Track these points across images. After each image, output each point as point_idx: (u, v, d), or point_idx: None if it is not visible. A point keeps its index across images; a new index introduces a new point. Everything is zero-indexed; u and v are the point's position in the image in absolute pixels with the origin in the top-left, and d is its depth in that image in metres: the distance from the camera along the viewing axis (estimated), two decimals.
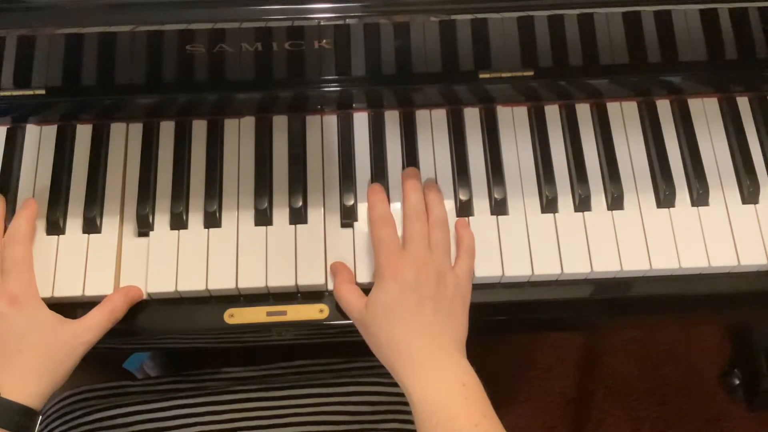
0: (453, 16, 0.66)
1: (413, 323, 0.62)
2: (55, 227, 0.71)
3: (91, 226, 0.71)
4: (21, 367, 0.62)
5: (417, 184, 0.71)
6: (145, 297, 0.69)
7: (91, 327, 0.65)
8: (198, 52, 0.69)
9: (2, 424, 0.59)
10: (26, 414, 0.61)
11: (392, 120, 0.77)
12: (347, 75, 0.74)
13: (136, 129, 0.76)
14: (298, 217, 0.72)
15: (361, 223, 0.72)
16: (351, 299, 0.66)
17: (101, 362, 0.67)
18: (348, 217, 0.72)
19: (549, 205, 0.73)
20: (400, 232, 0.69)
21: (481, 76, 0.74)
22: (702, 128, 0.77)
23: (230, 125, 0.76)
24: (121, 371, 1.20)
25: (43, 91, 0.74)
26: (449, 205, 0.73)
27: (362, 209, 0.73)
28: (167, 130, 0.76)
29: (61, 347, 0.63)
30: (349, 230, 0.72)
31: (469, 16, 0.66)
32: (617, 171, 0.74)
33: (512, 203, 0.73)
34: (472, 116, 0.77)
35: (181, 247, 0.70)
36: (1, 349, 0.62)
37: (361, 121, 0.77)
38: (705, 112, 0.78)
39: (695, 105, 0.78)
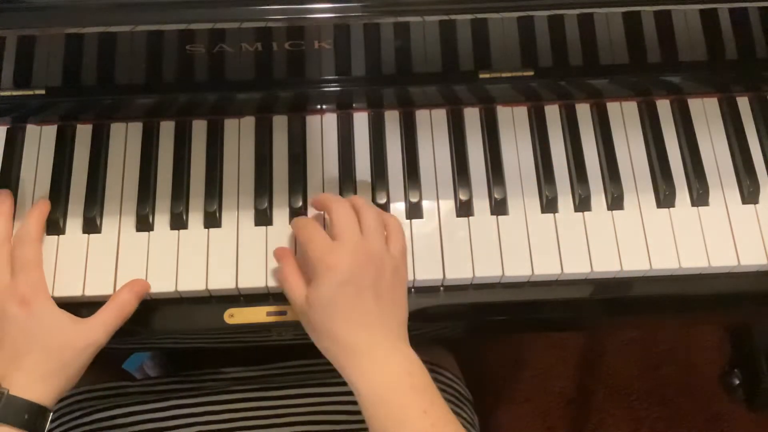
0: (453, 16, 0.66)
1: (354, 315, 0.61)
2: (54, 227, 0.71)
3: (91, 226, 0.71)
4: (32, 366, 0.62)
5: (322, 194, 0.69)
6: (145, 297, 0.69)
7: (99, 326, 0.65)
8: (198, 52, 0.69)
9: (13, 421, 0.59)
10: (37, 412, 0.61)
11: (392, 120, 0.77)
12: (347, 75, 0.74)
13: (136, 129, 0.76)
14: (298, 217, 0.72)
15: None
16: (294, 286, 0.64)
17: (101, 362, 0.67)
18: None
19: (549, 205, 0.73)
20: None
21: (481, 76, 0.74)
22: (702, 128, 0.77)
23: (230, 125, 0.76)
24: (121, 371, 1.20)
25: (43, 91, 0.73)
26: (449, 205, 0.73)
27: None
28: (167, 130, 0.76)
29: (71, 347, 0.63)
30: None
31: (469, 16, 0.66)
32: (617, 171, 0.74)
33: (512, 203, 0.73)
34: (472, 116, 0.77)
35: (181, 247, 0.70)
36: (12, 349, 0.62)
37: (361, 121, 0.77)
38: (705, 112, 0.78)
39: (695, 105, 0.78)
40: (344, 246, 0.62)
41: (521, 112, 0.77)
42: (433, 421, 0.58)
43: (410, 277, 0.70)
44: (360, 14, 0.61)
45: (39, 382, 0.62)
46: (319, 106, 0.77)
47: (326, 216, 0.68)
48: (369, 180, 0.74)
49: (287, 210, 0.72)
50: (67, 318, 0.64)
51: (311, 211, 0.72)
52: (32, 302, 0.63)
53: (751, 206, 0.74)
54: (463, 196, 0.73)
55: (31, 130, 0.76)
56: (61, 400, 0.85)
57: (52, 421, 0.83)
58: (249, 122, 0.76)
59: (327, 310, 0.61)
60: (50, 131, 0.76)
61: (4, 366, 0.62)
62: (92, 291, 0.69)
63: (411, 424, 0.58)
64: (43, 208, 0.70)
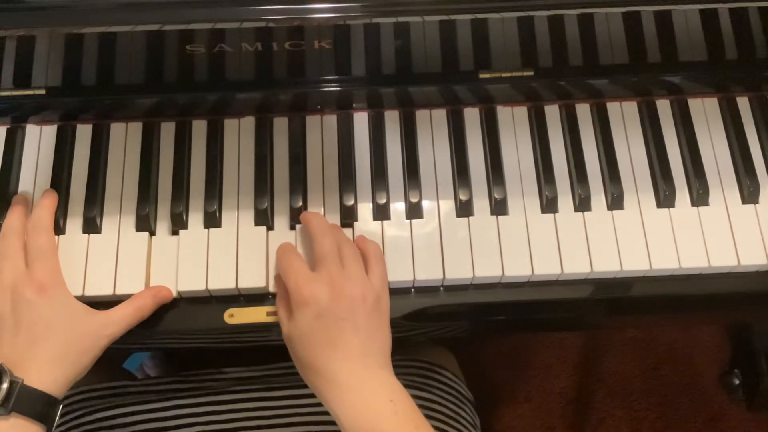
0: (453, 16, 0.66)
1: (332, 346, 0.61)
2: (55, 227, 0.71)
3: (91, 226, 0.72)
4: (46, 354, 0.62)
5: (316, 213, 0.70)
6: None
7: (116, 320, 0.65)
8: (198, 52, 0.69)
9: (26, 412, 0.59)
10: (49, 402, 0.61)
11: (392, 120, 0.77)
12: (347, 75, 0.74)
13: (136, 129, 0.76)
14: (298, 217, 0.72)
15: (361, 223, 0.72)
16: (281, 317, 0.65)
17: (101, 362, 0.67)
18: (348, 217, 0.72)
19: (549, 205, 0.73)
20: None
21: (481, 76, 0.74)
22: (702, 128, 0.77)
23: (230, 125, 0.76)
24: (121, 371, 1.20)
25: (43, 91, 0.74)
26: (449, 205, 0.73)
27: (362, 209, 0.73)
28: (167, 130, 0.76)
29: (87, 337, 0.64)
30: (348, 230, 0.72)
31: (469, 16, 0.66)
32: (617, 171, 0.74)
33: (512, 203, 0.73)
34: (472, 116, 0.77)
35: (181, 247, 0.70)
36: (28, 336, 0.62)
37: (361, 121, 0.77)
38: (705, 112, 0.78)
39: (695, 105, 0.78)
40: (322, 277, 0.62)
41: (521, 112, 0.77)
42: None
43: (410, 277, 0.70)
44: (360, 14, 0.61)
45: (53, 372, 0.61)
46: (319, 106, 0.77)
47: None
48: (369, 180, 0.74)
49: (287, 210, 0.72)
50: (83, 307, 0.65)
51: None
52: (49, 289, 0.63)
53: (751, 206, 0.74)
54: (463, 196, 0.73)
55: (31, 130, 0.76)
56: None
57: None
58: (249, 122, 0.76)
59: (305, 343, 0.62)
60: (50, 131, 0.76)
61: (20, 352, 0.61)
62: (92, 291, 0.69)
63: None
64: (52, 198, 0.71)
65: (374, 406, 0.60)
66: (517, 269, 0.70)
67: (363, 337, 0.62)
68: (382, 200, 0.73)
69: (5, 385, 0.58)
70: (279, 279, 0.68)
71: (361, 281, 0.63)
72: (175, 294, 0.70)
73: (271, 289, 0.70)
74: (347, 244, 0.66)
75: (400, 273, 0.70)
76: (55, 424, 0.62)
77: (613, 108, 0.77)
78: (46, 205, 0.69)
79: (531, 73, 0.75)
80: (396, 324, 0.72)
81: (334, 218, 0.72)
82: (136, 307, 0.66)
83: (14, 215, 0.69)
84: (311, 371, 0.62)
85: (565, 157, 0.75)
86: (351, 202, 0.72)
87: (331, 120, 0.77)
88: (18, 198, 0.72)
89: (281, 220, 0.72)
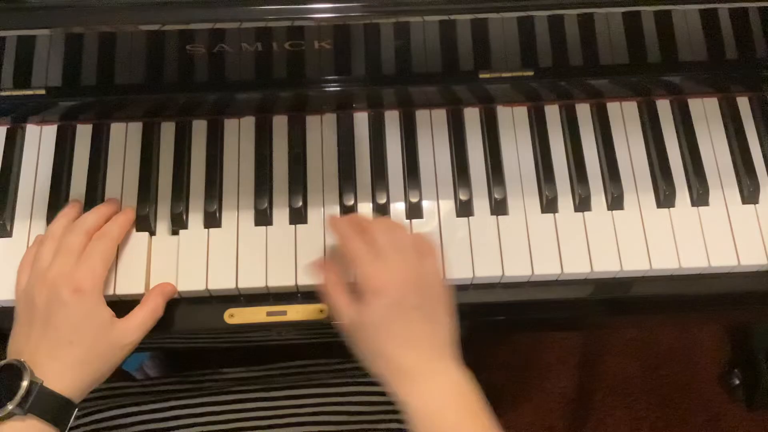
0: (453, 16, 0.66)
1: (402, 336, 0.61)
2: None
3: None
4: (69, 358, 0.61)
5: (345, 217, 0.69)
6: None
7: (135, 327, 0.65)
8: (198, 52, 0.69)
9: (41, 414, 0.59)
10: (65, 406, 0.61)
11: (392, 120, 0.77)
12: (347, 75, 0.74)
13: (136, 129, 0.76)
14: (298, 217, 0.72)
15: None
16: (340, 305, 0.63)
17: None
18: None
19: (549, 205, 0.73)
20: None
21: (481, 76, 0.74)
22: (702, 128, 0.77)
23: (230, 125, 0.76)
24: (121, 371, 1.20)
25: (43, 91, 0.74)
26: (449, 205, 0.73)
27: (362, 209, 0.73)
28: (167, 130, 0.76)
29: (110, 346, 0.63)
30: None
31: (469, 16, 0.66)
32: (617, 171, 0.74)
33: (512, 203, 0.73)
34: (472, 116, 0.77)
35: (181, 247, 0.70)
36: (54, 336, 0.61)
37: (361, 121, 0.77)
38: (705, 112, 0.78)
39: (695, 105, 0.78)
40: (388, 266, 0.62)
41: (521, 112, 0.77)
42: None
43: None
44: (360, 14, 0.61)
45: (73, 376, 0.61)
46: (319, 106, 0.77)
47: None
48: (369, 180, 0.74)
49: (287, 210, 0.72)
50: (111, 316, 0.64)
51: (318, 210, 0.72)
52: (85, 292, 0.63)
53: (751, 206, 0.74)
54: (463, 196, 0.73)
55: (31, 130, 0.76)
56: None
57: None
58: (249, 122, 0.76)
59: (375, 332, 0.61)
60: (50, 131, 0.76)
61: (44, 352, 0.61)
62: None
63: None
64: (130, 217, 0.70)
65: (441, 397, 0.59)
66: (517, 269, 0.70)
67: (431, 327, 0.62)
68: (382, 200, 0.73)
69: (25, 383, 0.58)
70: (327, 265, 0.66)
71: (425, 271, 0.63)
72: (175, 294, 0.69)
73: (270, 281, 0.69)
74: (405, 237, 0.65)
75: None
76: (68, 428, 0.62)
77: (613, 108, 0.77)
78: (123, 221, 0.69)
79: (531, 74, 0.75)
80: None
81: None
82: (151, 309, 0.66)
83: (94, 214, 0.68)
84: (379, 359, 0.61)
85: (565, 157, 0.75)
86: (351, 202, 0.72)
87: (331, 120, 0.77)
88: (110, 200, 0.72)
89: (281, 220, 0.72)
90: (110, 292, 0.68)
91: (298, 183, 0.73)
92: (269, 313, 0.70)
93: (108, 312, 0.64)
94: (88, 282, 0.63)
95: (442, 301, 0.63)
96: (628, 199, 0.73)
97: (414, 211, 0.73)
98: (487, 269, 0.70)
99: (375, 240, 0.63)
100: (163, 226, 0.72)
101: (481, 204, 0.73)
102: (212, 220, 0.72)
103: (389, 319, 0.60)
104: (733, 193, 0.74)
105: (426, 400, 0.59)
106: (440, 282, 0.64)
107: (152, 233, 0.72)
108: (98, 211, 0.69)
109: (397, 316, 0.61)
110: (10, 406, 0.58)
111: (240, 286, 0.69)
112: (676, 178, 0.74)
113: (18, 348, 0.62)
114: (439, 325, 0.62)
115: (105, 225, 0.68)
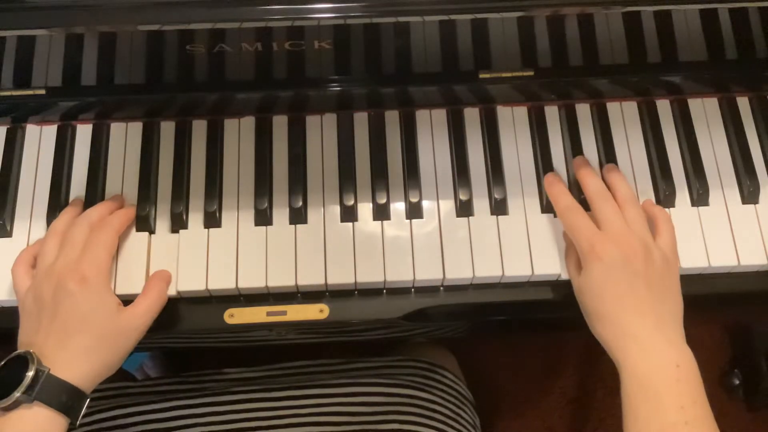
0: (453, 16, 0.66)
1: (624, 301, 0.62)
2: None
3: None
4: (77, 347, 0.61)
5: (591, 170, 0.71)
6: None
7: (147, 312, 0.65)
8: (198, 52, 0.69)
9: (49, 401, 0.59)
10: (75, 395, 0.60)
11: (392, 120, 0.77)
12: (347, 75, 0.74)
13: (136, 129, 0.76)
14: (298, 217, 0.72)
15: (361, 223, 0.72)
16: (571, 272, 0.68)
17: None
18: (348, 217, 0.72)
19: (549, 205, 0.73)
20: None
21: (481, 76, 0.75)
22: (702, 128, 0.77)
23: (230, 125, 0.76)
24: (121, 371, 1.19)
25: (43, 91, 0.74)
26: (449, 205, 0.73)
27: (362, 209, 0.73)
28: (167, 130, 0.76)
29: (119, 332, 0.63)
30: (349, 230, 0.72)
31: (469, 16, 0.66)
32: None
33: (512, 203, 0.73)
34: (472, 116, 0.77)
35: (181, 247, 0.70)
36: (62, 326, 0.62)
37: (361, 121, 0.77)
38: (705, 112, 0.78)
39: (695, 105, 0.78)
40: (610, 235, 0.64)
41: (521, 112, 0.77)
42: (688, 419, 0.58)
43: (410, 277, 0.70)
44: (360, 14, 0.61)
45: (82, 365, 0.61)
46: (319, 106, 0.77)
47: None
48: (369, 180, 0.74)
49: (287, 210, 0.72)
50: (117, 303, 0.65)
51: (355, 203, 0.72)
52: (90, 281, 0.63)
53: (751, 206, 0.74)
54: (463, 196, 0.73)
55: (31, 130, 0.76)
56: None
57: None
58: (249, 122, 0.76)
59: (597, 296, 0.63)
60: (50, 131, 0.76)
61: (53, 343, 0.61)
62: None
63: (664, 416, 0.58)
64: (131, 212, 0.71)
65: (657, 364, 0.60)
66: (517, 269, 0.70)
67: (655, 295, 0.63)
68: (382, 200, 0.73)
69: (31, 373, 0.58)
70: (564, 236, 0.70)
71: (648, 241, 0.65)
72: (174, 294, 0.69)
73: (270, 281, 0.69)
74: (633, 207, 0.67)
75: (400, 273, 0.70)
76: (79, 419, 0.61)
77: (613, 108, 0.77)
78: (124, 214, 0.70)
79: (531, 74, 0.75)
80: (396, 324, 0.72)
81: (335, 218, 0.72)
82: (155, 295, 0.66)
83: (98, 208, 0.69)
84: (599, 320, 0.63)
85: (564, 157, 0.75)
86: (351, 202, 0.72)
87: (331, 120, 0.77)
88: (116, 196, 0.72)
89: (281, 220, 0.72)
90: None
91: (298, 183, 0.73)
92: (269, 313, 0.70)
93: (114, 299, 0.65)
94: (93, 270, 0.64)
95: (671, 275, 0.64)
96: None
97: (414, 211, 0.73)
98: (487, 269, 0.70)
99: (603, 211, 0.66)
100: (163, 225, 0.72)
101: (481, 204, 0.73)
102: (212, 220, 0.72)
103: (611, 283, 0.62)
104: (733, 193, 0.74)
105: (639, 363, 0.60)
106: (671, 259, 0.65)
107: (152, 233, 0.72)
108: (102, 206, 0.69)
109: (621, 279, 0.62)
110: (16, 394, 0.58)
111: (240, 286, 0.69)
112: (676, 178, 0.74)
113: (27, 341, 0.63)
114: (665, 297, 0.63)
115: (108, 217, 0.69)
